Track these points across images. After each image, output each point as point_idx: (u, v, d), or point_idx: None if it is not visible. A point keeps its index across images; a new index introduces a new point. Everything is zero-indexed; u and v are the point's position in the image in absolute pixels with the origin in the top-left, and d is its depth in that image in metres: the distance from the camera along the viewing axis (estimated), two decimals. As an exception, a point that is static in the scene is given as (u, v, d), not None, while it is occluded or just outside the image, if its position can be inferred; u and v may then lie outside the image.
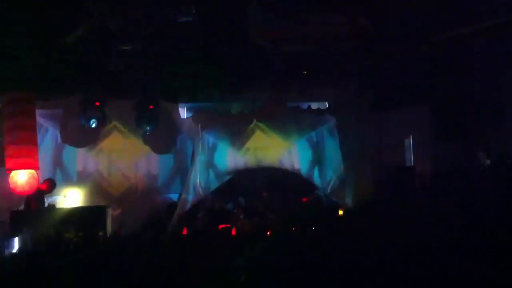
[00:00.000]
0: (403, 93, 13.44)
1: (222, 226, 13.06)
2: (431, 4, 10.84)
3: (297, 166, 14.68)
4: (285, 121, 14.24)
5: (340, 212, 13.51)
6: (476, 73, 13.30)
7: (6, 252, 10.89)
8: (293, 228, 12.82)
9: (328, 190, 14.32)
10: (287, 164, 14.65)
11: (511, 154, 12.00)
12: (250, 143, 14.45)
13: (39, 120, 12.79)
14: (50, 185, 12.55)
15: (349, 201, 13.56)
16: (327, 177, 14.37)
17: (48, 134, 14.00)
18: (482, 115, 13.18)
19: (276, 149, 14.66)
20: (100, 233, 11.71)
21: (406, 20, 11.25)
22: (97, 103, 13.10)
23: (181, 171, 15.18)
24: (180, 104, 14.10)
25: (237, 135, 14.38)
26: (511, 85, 12.86)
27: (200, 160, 14.14)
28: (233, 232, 12.69)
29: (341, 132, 13.82)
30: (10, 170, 11.49)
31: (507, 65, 12.63)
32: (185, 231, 12.49)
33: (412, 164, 14.32)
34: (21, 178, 11.46)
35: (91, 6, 9.59)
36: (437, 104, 13.65)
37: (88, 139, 13.92)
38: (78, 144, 14.02)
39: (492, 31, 11.64)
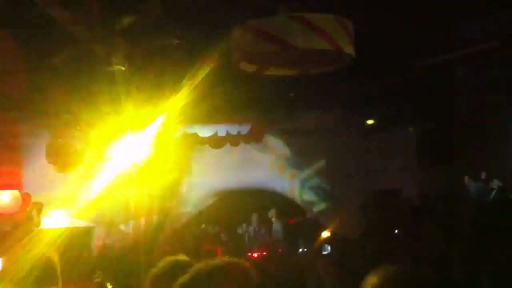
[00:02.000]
0: (389, 117, 13.51)
1: (208, 247, 13.08)
2: (417, 31, 10.97)
3: (284, 187, 14.67)
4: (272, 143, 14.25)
5: (327, 234, 13.51)
6: (461, 98, 13.40)
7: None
8: (279, 250, 12.85)
9: (316, 212, 14.31)
10: (273, 186, 14.63)
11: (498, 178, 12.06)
12: (237, 165, 14.43)
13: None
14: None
15: (336, 223, 13.54)
16: (315, 198, 14.37)
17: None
18: (468, 139, 13.24)
19: (262, 171, 14.65)
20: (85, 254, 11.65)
21: (392, 46, 11.36)
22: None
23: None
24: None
25: (223, 157, 14.35)
26: (495, 109, 12.96)
27: (185, 181, 14.12)
28: (219, 253, 12.67)
29: (327, 156, 13.85)
30: (-7, 190, 11.42)
31: (491, 89, 12.74)
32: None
33: (398, 187, 14.35)
34: (3, 198, 11.39)
35: (76, 32, 9.61)
36: (424, 128, 13.73)
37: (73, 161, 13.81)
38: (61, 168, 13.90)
39: (476, 57, 11.78)
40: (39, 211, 12.24)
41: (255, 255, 12.51)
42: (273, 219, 14.44)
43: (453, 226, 10.22)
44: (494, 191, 12.08)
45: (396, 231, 12.16)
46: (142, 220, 14.67)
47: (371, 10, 10.54)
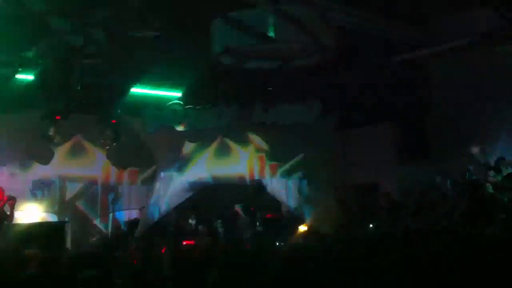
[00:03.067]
0: (367, 112, 13.56)
1: (186, 242, 12.99)
2: (394, 26, 11.05)
3: (262, 182, 14.62)
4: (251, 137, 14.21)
5: (304, 228, 13.52)
6: (438, 93, 13.51)
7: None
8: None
9: (293, 207, 14.32)
10: (252, 180, 14.58)
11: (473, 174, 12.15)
12: (215, 159, 14.35)
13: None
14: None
15: (313, 218, 13.57)
16: (293, 193, 14.36)
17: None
18: (446, 134, 13.35)
19: (241, 165, 14.58)
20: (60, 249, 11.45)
21: (370, 40, 11.41)
22: (58, 117, 12.86)
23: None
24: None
25: (202, 151, 14.26)
26: (473, 104, 13.08)
27: (163, 175, 14.01)
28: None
29: (305, 150, 13.83)
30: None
31: (468, 85, 12.88)
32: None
33: (376, 182, 14.41)
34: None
35: (53, 23, 9.46)
36: (400, 123, 13.82)
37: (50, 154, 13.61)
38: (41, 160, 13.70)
39: (453, 52, 11.90)
40: (12, 205, 12.01)
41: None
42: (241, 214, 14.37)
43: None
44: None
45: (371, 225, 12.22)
46: (117, 215, 14.57)
47: (350, 5, 10.59)
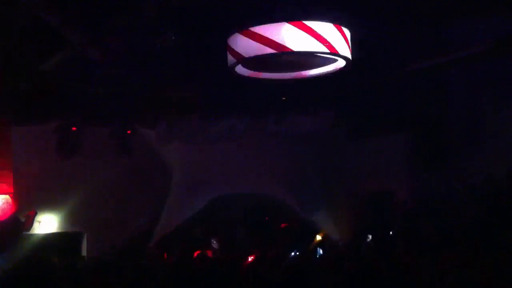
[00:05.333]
0: (380, 121, 13.55)
1: (198, 252, 13.02)
2: (408, 34, 11.04)
3: (277, 192, 14.62)
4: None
5: (319, 238, 13.54)
6: (453, 102, 13.48)
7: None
8: (270, 254, 12.82)
9: (308, 216, 14.32)
10: (266, 190, 14.58)
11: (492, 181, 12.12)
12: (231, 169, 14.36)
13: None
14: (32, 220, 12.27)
15: (329, 227, 13.60)
16: (307, 203, 14.35)
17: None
18: (460, 143, 13.32)
19: (256, 175, 14.58)
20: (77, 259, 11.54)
21: (384, 49, 11.42)
22: (74, 128, 12.92)
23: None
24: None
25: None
26: (488, 113, 13.05)
27: (177, 186, 14.05)
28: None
29: (319, 160, 13.85)
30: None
31: (483, 93, 12.85)
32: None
33: (390, 191, 14.37)
34: (-3, 203, 11.31)
35: (69, 35, 9.54)
36: (414, 132, 13.79)
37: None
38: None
39: (468, 60, 11.87)
40: (31, 217, 12.12)
41: None
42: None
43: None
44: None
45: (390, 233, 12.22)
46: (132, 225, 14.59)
47: (364, 13, 10.60)
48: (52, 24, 9.43)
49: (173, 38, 10.10)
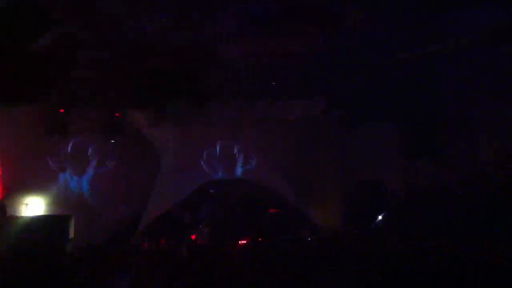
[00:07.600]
0: (372, 109, 13.51)
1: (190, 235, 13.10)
2: (400, 23, 11.01)
3: (266, 177, 14.62)
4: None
5: (307, 223, 13.56)
6: (443, 90, 13.47)
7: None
8: (259, 239, 12.87)
9: (297, 201, 14.34)
10: (255, 176, 14.58)
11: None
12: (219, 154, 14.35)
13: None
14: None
15: (317, 213, 13.61)
16: (297, 188, 14.37)
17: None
18: (450, 131, 13.33)
19: (246, 161, 14.58)
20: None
21: (375, 38, 11.38)
22: (61, 110, 12.86)
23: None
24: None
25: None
26: (479, 101, 13.06)
27: (166, 170, 14.01)
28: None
29: (309, 146, 13.82)
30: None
31: (473, 82, 12.85)
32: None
33: (381, 179, 14.36)
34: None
35: (59, 15, 9.43)
36: (407, 120, 13.78)
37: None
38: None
39: (459, 50, 11.87)
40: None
41: None
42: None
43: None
44: None
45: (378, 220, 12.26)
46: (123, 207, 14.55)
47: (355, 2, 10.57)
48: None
49: (164, 19, 10.02)
